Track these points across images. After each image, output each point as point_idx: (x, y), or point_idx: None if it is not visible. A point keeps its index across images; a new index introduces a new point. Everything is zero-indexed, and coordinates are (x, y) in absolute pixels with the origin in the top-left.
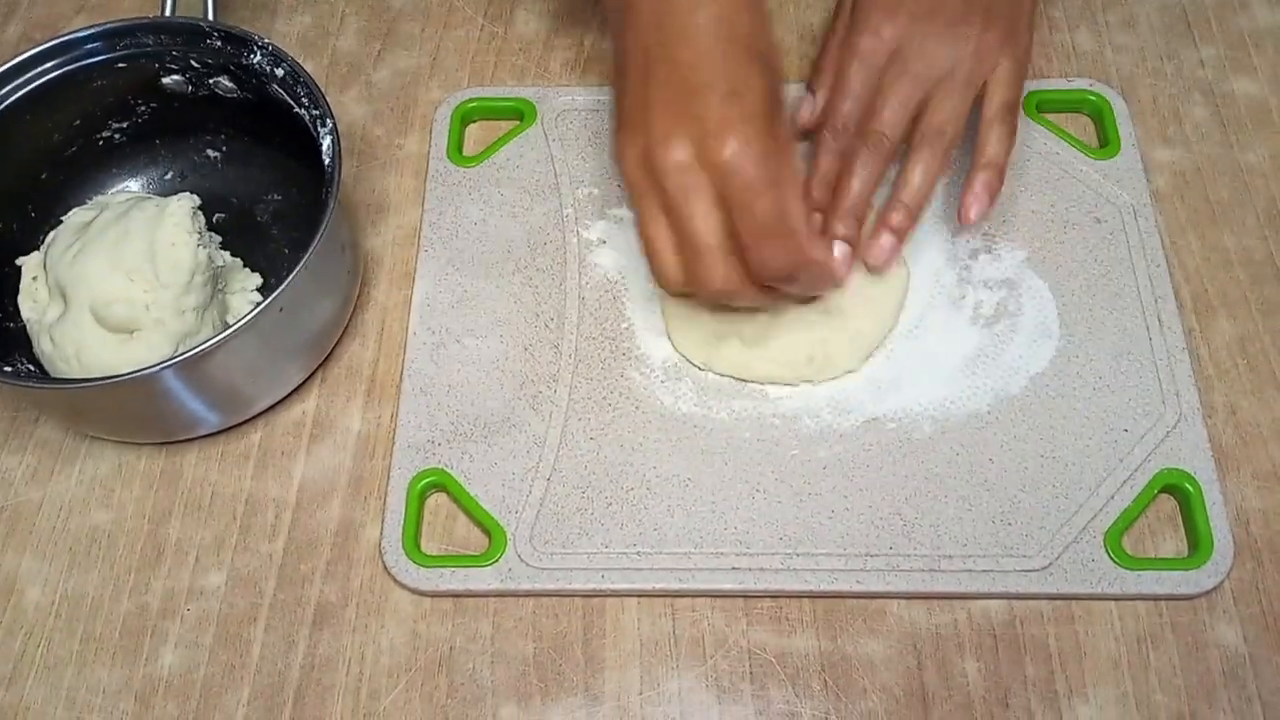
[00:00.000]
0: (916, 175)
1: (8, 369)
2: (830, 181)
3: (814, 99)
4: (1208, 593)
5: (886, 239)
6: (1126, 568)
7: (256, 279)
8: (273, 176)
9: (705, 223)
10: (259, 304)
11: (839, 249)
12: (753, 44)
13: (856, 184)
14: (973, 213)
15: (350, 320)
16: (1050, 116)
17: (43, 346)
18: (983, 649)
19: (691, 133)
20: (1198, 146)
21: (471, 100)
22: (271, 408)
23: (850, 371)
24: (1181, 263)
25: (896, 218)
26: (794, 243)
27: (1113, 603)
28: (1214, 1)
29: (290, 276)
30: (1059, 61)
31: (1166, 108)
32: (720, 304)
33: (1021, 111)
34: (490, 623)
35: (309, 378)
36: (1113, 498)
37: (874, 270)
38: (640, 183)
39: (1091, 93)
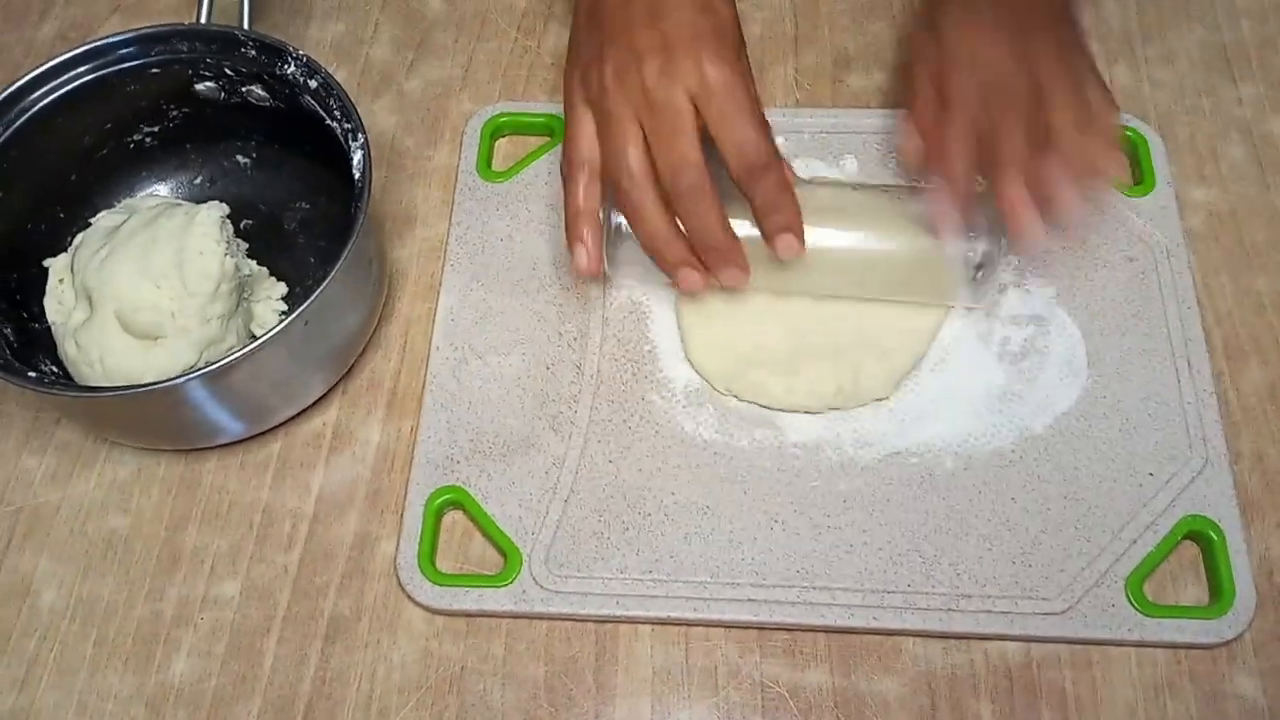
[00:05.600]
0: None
1: (31, 373)
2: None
3: (913, 134)
4: (1228, 643)
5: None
6: (1147, 614)
7: (282, 288)
8: (302, 185)
9: (691, 144)
10: (285, 316)
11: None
12: None
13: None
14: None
15: (374, 332)
16: None
17: (67, 350)
18: (998, 691)
19: (663, 48)
20: (1234, 187)
21: (502, 115)
22: (292, 418)
23: (880, 399)
24: (1213, 305)
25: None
26: (774, 161)
27: (1132, 649)
28: (1255, 40)
29: (318, 291)
30: None
31: (1204, 146)
32: (746, 326)
33: None
34: (502, 644)
35: (331, 389)
36: (1135, 542)
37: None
38: (610, 101)
39: (1128, 129)
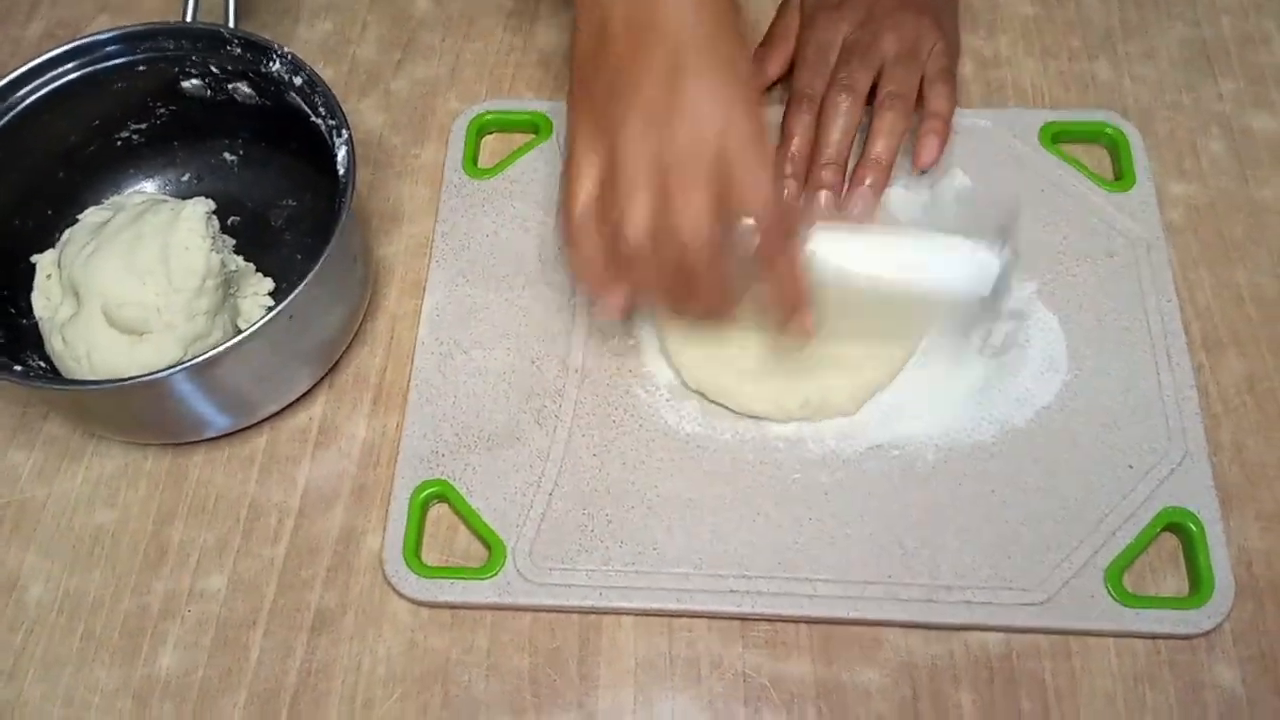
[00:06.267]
0: (883, 133)
1: (18, 368)
2: (803, 148)
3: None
4: (1207, 633)
5: (865, 190)
6: (1126, 605)
7: (268, 284)
8: (288, 182)
9: (708, 215)
10: (269, 311)
11: (822, 196)
12: (730, 23)
13: (835, 134)
14: (924, 157)
15: (360, 328)
16: (1066, 147)
17: (54, 345)
18: (978, 681)
19: (689, 103)
20: (1213, 181)
21: (488, 112)
22: (278, 413)
23: (845, 415)
24: (1193, 298)
25: (871, 173)
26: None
27: (1111, 639)
28: (1235, 36)
29: (301, 285)
30: (1076, 90)
31: (1183, 141)
32: (726, 328)
33: (1038, 141)
34: (487, 636)
35: (317, 384)
36: (1115, 534)
37: (855, 219)
38: (630, 163)
39: (1109, 125)
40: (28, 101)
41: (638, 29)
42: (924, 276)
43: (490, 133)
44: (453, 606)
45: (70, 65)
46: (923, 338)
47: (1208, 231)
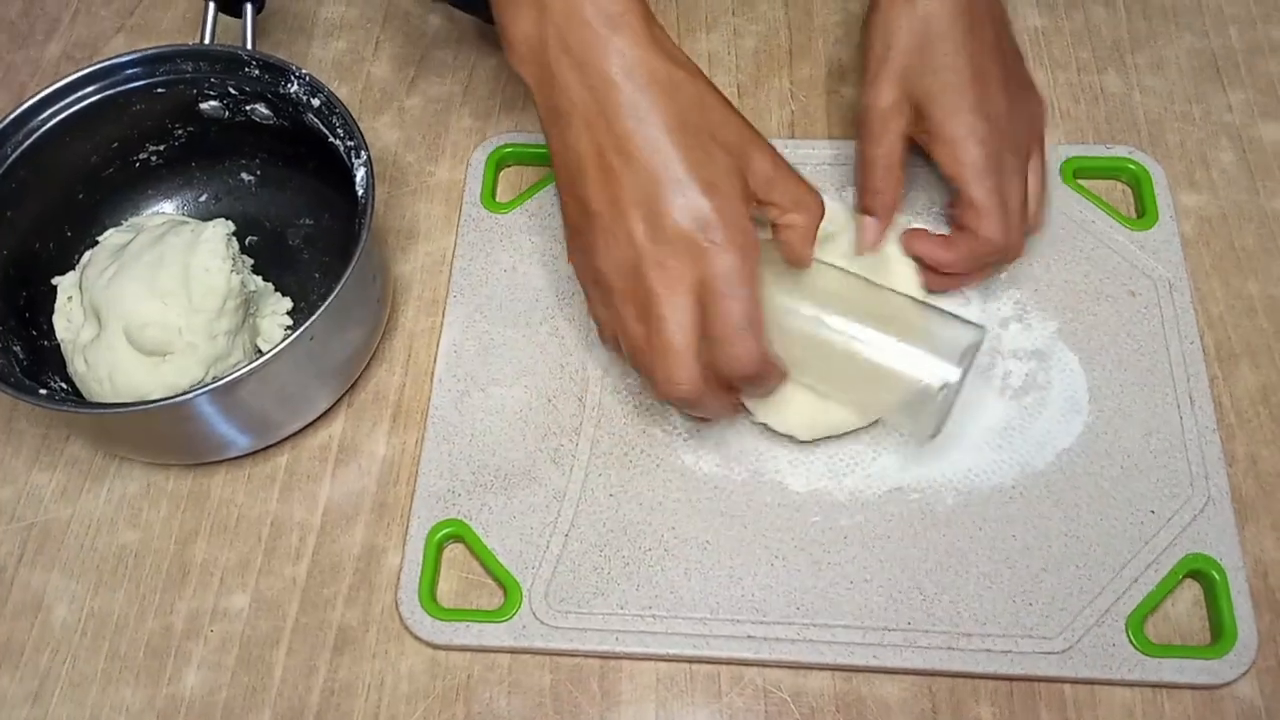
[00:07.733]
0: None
1: (41, 390)
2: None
3: (874, 223)
4: (1229, 683)
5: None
6: (1148, 654)
7: (287, 303)
8: (306, 201)
9: (684, 323)
10: (290, 331)
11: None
12: (714, 129)
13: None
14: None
15: (378, 346)
16: (1087, 184)
17: (76, 367)
18: (998, 694)
19: (674, 233)
20: (1224, 192)
21: (507, 146)
22: (299, 432)
23: (796, 439)
24: (1205, 309)
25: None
26: (759, 347)
27: None
28: (1244, 46)
29: (323, 307)
30: (1086, 102)
31: (1194, 152)
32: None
33: (1058, 177)
34: (508, 652)
35: (336, 402)
36: (1136, 581)
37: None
38: (620, 285)
39: (1130, 160)
40: (49, 125)
41: (609, 159)
42: (887, 359)
43: (509, 165)
44: (468, 649)
45: (90, 88)
46: (876, 415)
47: (1219, 243)
